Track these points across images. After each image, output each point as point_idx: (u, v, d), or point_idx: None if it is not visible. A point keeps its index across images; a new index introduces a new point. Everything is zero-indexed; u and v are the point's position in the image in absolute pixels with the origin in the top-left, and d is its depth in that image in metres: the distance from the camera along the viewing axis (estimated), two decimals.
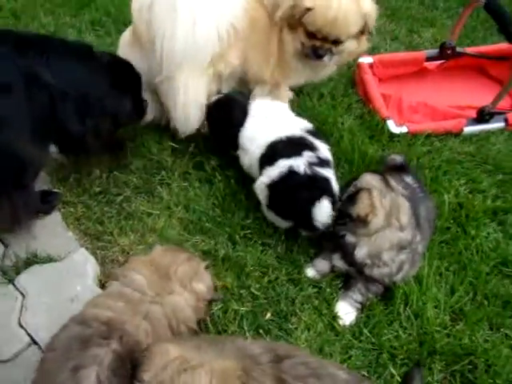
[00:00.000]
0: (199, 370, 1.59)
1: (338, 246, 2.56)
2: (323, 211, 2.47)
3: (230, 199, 2.86)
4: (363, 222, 2.43)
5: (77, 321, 1.91)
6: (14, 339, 2.31)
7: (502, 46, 3.73)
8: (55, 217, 2.81)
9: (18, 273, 2.55)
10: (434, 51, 3.83)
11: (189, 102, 2.85)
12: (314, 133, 2.71)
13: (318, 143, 2.64)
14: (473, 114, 3.49)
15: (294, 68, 3.03)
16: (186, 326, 2.06)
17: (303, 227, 2.64)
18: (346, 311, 2.47)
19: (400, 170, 2.83)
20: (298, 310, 2.46)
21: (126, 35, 2.99)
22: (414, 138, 3.30)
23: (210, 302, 2.28)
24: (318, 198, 2.46)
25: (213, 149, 3.09)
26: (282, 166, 2.54)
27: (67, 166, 2.94)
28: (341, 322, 2.45)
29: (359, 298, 2.50)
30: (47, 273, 2.55)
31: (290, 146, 2.59)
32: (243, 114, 2.84)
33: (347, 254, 2.52)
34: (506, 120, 3.50)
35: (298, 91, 3.55)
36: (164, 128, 3.18)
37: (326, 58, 2.92)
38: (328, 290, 2.54)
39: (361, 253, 2.48)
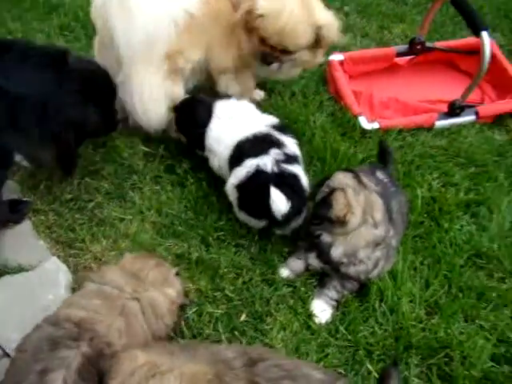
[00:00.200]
0: (168, 375, 1.57)
1: (313, 245, 2.56)
2: (276, 200, 2.43)
3: (203, 201, 2.84)
4: (341, 222, 2.42)
5: (50, 321, 1.92)
6: None
7: (471, 39, 3.75)
8: (26, 226, 2.76)
9: None
10: (403, 47, 3.85)
11: (145, 98, 2.83)
12: (281, 128, 2.70)
13: (284, 139, 2.64)
14: (444, 108, 3.51)
15: (252, 64, 3.03)
16: (163, 323, 2.07)
17: (276, 225, 2.63)
18: (322, 309, 2.47)
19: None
20: (273, 310, 2.45)
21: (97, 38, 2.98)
22: (385, 134, 3.31)
23: (182, 307, 2.27)
24: (287, 195, 2.45)
25: (184, 151, 3.07)
26: (249, 165, 2.53)
27: (37, 174, 2.90)
28: (317, 320, 2.44)
29: (334, 295, 2.50)
30: (18, 283, 2.50)
31: (257, 145, 2.58)
32: (207, 114, 2.81)
33: (323, 253, 2.51)
34: (476, 113, 3.52)
35: (270, 90, 3.54)
36: (135, 132, 3.15)
37: (274, 66, 2.95)
38: (303, 288, 2.53)
39: (337, 252, 2.47)
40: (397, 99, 3.56)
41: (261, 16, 2.72)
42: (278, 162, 2.52)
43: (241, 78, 3.09)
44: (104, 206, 2.86)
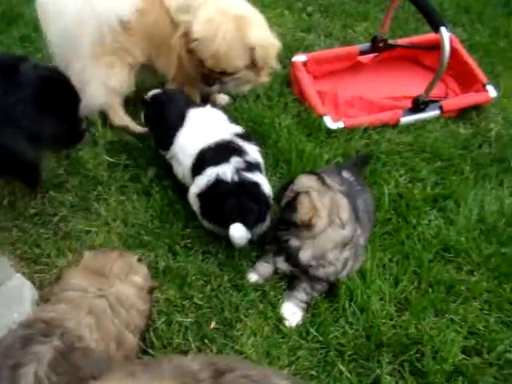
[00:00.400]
0: None
1: (281, 249, 2.54)
2: (236, 235, 2.45)
3: (168, 210, 2.81)
4: (307, 226, 2.41)
5: (22, 325, 1.91)
6: None
7: (433, 35, 3.74)
8: None
9: None
10: (366, 45, 3.87)
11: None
12: (244, 136, 2.69)
13: (246, 146, 2.62)
14: (409, 104, 3.52)
15: (196, 81, 3.06)
16: (136, 312, 2.07)
17: None
18: (292, 312, 2.45)
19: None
20: (242, 316, 2.43)
21: None
22: (351, 133, 3.31)
23: (151, 291, 2.27)
24: (247, 204, 2.45)
25: (149, 160, 3.04)
26: (209, 174, 2.52)
27: None
28: (287, 324, 2.43)
29: (304, 297, 2.49)
30: None
31: (218, 153, 2.57)
32: (180, 118, 2.79)
33: (291, 257, 2.50)
34: (440, 107, 3.54)
35: (235, 94, 3.53)
36: (99, 142, 3.12)
37: (215, 87, 2.98)
38: (272, 292, 2.52)
39: (305, 255, 2.46)
40: (361, 97, 3.57)
41: (196, 40, 2.74)
42: (238, 171, 2.51)
43: (187, 90, 3.12)
44: (69, 220, 2.81)
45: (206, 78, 2.94)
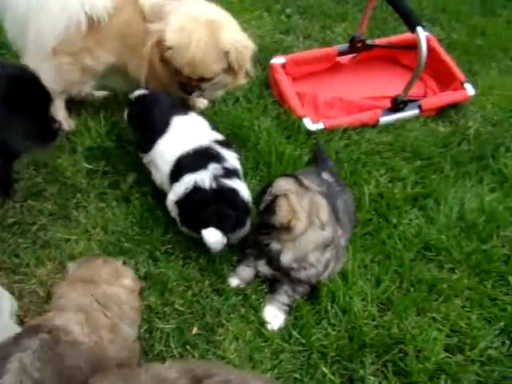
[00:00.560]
0: None
1: (262, 252, 2.53)
2: (211, 240, 2.44)
3: (148, 216, 2.79)
4: (287, 228, 2.40)
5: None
6: None
7: (410, 35, 3.77)
8: None
9: None
10: (344, 46, 3.87)
11: None
12: (223, 142, 2.68)
13: (225, 153, 2.61)
14: (388, 104, 3.53)
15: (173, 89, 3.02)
16: (130, 309, 2.08)
17: None
18: (274, 315, 2.45)
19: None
20: (224, 321, 2.42)
21: None
22: (331, 134, 3.31)
23: (141, 292, 2.29)
24: (224, 211, 2.46)
25: (128, 166, 3.02)
26: (187, 181, 2.50)
27: None
28: (269, 327, 2.42)
29: (286, 300, 2.48)
30: None
31: (196, 160, 2.55)
32: (165, 125, 2.75)
33: (272, 260, 2.49)
34: (419, 107, 3.56)
35: (212, 99, 3.51)
36: (78, 149, 3.09)
37: (195, 94, 2.96)
38: (253, 296, 2.51)
39: (286, 258, 2.46)
40: (341, 98, 3.58)
41: (170, 48, 2.72)
42: (216, 177, 2.50)
43: None
44: (48, 228, 2.77)
45: (184, 87, 2.91)
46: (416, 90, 3.71)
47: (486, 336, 2.49)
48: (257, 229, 2.57)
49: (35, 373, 1.69)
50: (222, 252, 2.62)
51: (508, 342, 2.50)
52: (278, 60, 3.66)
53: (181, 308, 2.44)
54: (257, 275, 2.58)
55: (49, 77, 2.73)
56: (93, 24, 2.77)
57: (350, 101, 3.58)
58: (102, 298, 2.04)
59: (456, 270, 2.75)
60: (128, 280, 2.18)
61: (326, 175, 2.79)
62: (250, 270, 2.56)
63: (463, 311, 2.59)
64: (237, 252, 2.67)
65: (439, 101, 3.65)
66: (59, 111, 3.09)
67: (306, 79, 3.74)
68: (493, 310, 2.61)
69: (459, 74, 3.77)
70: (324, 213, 2.48)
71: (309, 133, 3.29)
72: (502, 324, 2.55)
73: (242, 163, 2.94)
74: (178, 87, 2.94)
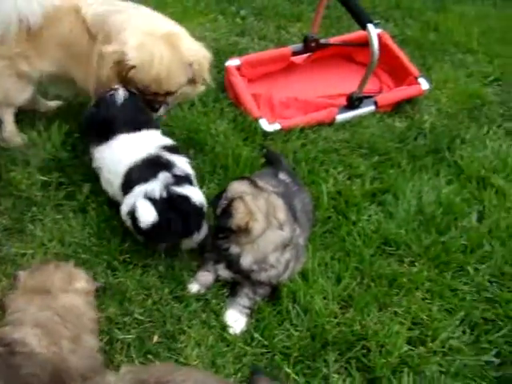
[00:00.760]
0: None
1: (221, 257, 2.52)
2: (142, 213, 2.43)
3: (105, 226, 2.74)
4: (245, 230, 2.39)
5: None
6: None
7: (363, 32, 3.82)
8: None
9: None
10: (299, 46, 3.90)
11: None
12: (172, 148, 2.66)
13: (175, 159, 2.60)
14: (345, 101, 3.56)
15: None
16: (88, 320, 2.07)
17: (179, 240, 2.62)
18: (235, 318, 2.43)
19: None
20: (185, 328, 2.38)
21: None
22: (288, 134, 3.32)
23: (97, 291, 2.29)
24: (176, 221, 2.45)
25: (83, 176, 2.97)
26: (137, 193, 2.49)
27: None
28: (231, 331, 2.40)
29: (247, 302, 2.47)
30: None
31: (145, 170, 2.53)
32: (112, 129, 2.71)
33: (232, 263, 2.48)
34: (375, 103, 3.60)
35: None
36: (31, 162, 3.03)
37: (161, 110, 2.91)
38: (214, 301, 2.49)
39: (246, 261, 2.44)
40: (296, 98, 3.60)
41: (133, 68, 2.67)
42: (167, 186, 2.48)
43: None
44: (3, 243, 2.71)
45: (150, 104, 2.84)
46: (371, 87, 3.76)
47: (447, 327, 2.52)
48: (214, 233, 2.55)
49: None
50: (181, 258, 2.60)
51: (468, 331, 2.54)
52: (232, 62, 3.66)
53: (141, 317, 2.40)
54: (217, 279, 2.56)
55: None
56: (30, 30, 2.74)
57: (306, 100, 3.60)
58: (61, 310, 2.01)
59: (416, 263, 2.78)
60: (82, 282, 2.17)
61: (282, 176, 2.79)
62: (210, 275, 2.54)
63: (424, 303, 2.61)
64: (196, 258, 2.64)
65: (394, 96, 3.70)
66: (7, 125, 3.06)
67: (261, 80, 3.75)
68: (453, 301, 2.64)
69: (413, 69, 3.83)
70: (281, 212, 2.48)
71: (265, 134, 3.29)
72: (462, 314, 2.58)
73: (198, 167, 2.97)
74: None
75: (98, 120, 2.73)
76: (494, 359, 2.45)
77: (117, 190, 2.63)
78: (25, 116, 3.22)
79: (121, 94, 2.71)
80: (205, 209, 2.56)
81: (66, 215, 2.82)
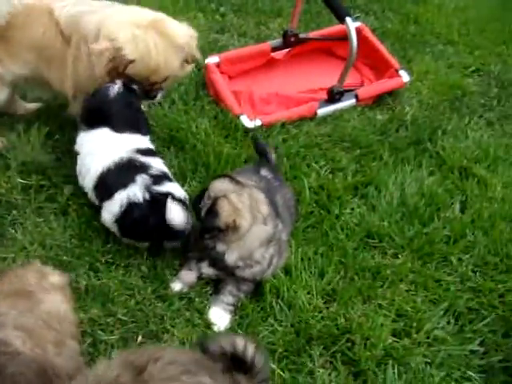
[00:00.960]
0: None
1: (205, 255, 2.50)
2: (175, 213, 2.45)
3: (87, 227, 2.71)
4: (233, 228, 2.38)
5: None
6: None
7: (343, 26, 3.82)
8: None
9: None
10: (278, 41, 3.89)
11: None
12: (144, 151, 2.65)
13: (149, 160, 2.60)
14: (326, 95, 3.55)
15: None
16: (69, 323, 2.03)
17: (166, 240, 2.60)
18: (219, 316, 2.42)
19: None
20: (169, 327, 2.37)
21: None
22: (269, 130, 3.31)
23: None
24: (162, 217, 2.43)
25: (64, 178, 2.94)
26: (119, 199, 2.49)
27: None
28: (215, 328, 2.39)
29: (231, 299, 2.46)
30: None
31: (122, 175, 2.53)
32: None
33: (217, 261, 2.46)
34: (356, 96, 3.59)
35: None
36: (11, 165, 3.00)
37: (159, 95, 2.90)
38: (198, 299, 2.47)
39: (232, 258, 2.43)
40: (277, 93, 3.59)
41: (132, 62, 2.64)
42: (147, 188, 2.48)
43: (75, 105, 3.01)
44: None
45: (148, 93, 2.84)
46: (352, 80, 3.76)
47: (431, 317, 2.53)
48: (199, 234, 2.52)
49: None
50: (164, 257, 2.59)
51: (453, 321, 2.55)
52: (212, 59, 3.63)
53: (124, 318, 2.39)
54: (200, 277, 2.55)
55: None
56: (1, 33, 2.72)
57: (287, 95, 3.59)
58: (46, 316, 1.97)
59: (399, 255, 2.78)
60: (55, 276, 2.13)
61: (264, 172, 2.78)
62: (193, 274, 2.53)
63: (408, 295, 2.62)
64: (178, 256, 2.63)
65: (375, 89, 3.70)
66: None
67: (241, 77, 3.74)
68: (437, 291, 2.66)
69: (394, 61, 3.82)
70: (264, 206, 2.47)
71: (247, 130, 3.27)
72: (446, 304, 2.60)
73: (180, 166, 2.95)
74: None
75: (88, 107, 2.74)
76: (478, 348, 2.47)
77: (90, 191, 2.66)
78: (3, 119, 3.19)
79: (116, 88, 2.71)
80: (187, 201, 2.56)
81: (47, 218, 2.79)
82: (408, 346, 2.41)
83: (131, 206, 2.47)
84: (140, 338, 2.35)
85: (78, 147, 2.76)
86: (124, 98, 2.72)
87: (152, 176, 2.52)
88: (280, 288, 2.50)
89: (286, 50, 3.87)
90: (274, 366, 2.28)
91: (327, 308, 2.51)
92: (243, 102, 3.50)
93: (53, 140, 3.13)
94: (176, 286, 2.51)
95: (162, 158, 2.77)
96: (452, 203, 3.08)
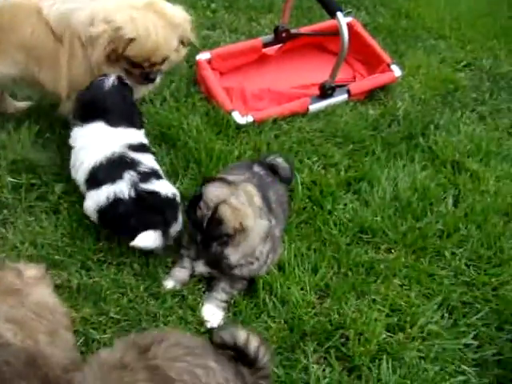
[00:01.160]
0: None
1: (203, 254, 2.49)
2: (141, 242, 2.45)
3: (78, 225, 2.69)
4: (240, 231, 2.36)
5: None
6: None
7: (334, 21, 3.80)
8: None
9: None
10: (269, 37, 3.87)
11: None
12: (137, 146, 2.64)
13: (140, 157, 2.58)
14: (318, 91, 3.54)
15: None
16: (60, 315, 2.02)
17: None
18: (212, 313, 2.41)
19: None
20: (161, 324, 2.36)
21: None
22: (261, 126, 3.29)
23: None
24: (150, 218, 2.45)
25: (55, 176, 2.92)
26: (106, 191, 2.48)
27: None
28: (208, 326, 2.38)
29: (224, 297, 2.45)
30: None
31: (110, 170, 2.52)
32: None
33: (220, 262, 2.44)
34: (348, 91, 3.58)
35: (142, 99, 3.44)
36: (1, 164, 2.98)
37: (158, 79, 2.90)
38: (191, 296, 2.46)
39: (236, 257, 2.42)
40: (269, 89, 3.57)
41: (132, 40, 2.62)
42: (134, 185, 2.47)
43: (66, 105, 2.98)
44: None
45: (146, 76, 2.82)
46: (344, 75, 3.75)
47: (425, 312, 2.53)
48: (204, 243, 2.46)
49: None
50: (157, 255, 2.58)
51: (447, 315, 2.55)
52: (203, 56, 3.61)
53: (116, 316, 2.38)
54: (193, 275, 2.53)
55: None
56: None
57: (279, 91, 3.57)
58: (36, 307, 1.96)
59: (392, 250, 2.78)
60: (32, 270, 2.12)
61: (256, 168, 2.77)
62: (186, 271, 2.52)
63: (402, 290, 2.62)
64: (171, 254, 2.62)
65: (367, 84, 3.68)
66: None
67: (233, 73, 3.71)
68: (431, 286, 2.66)
69: (385, 56, 3.81)
70: (257, 198, 2.46)
71: (238, 127, 3.26)
72: (440, 298, 2.60)
73: (172, 163, 2.93)
74: (138, 80, 2.86)
75: (82, 101, 2.72)
76: (472, 342, 2.47)
77: (82, 186, 2.65)
78: None
79: (111, 81, 2.69)
80: (178, 199, 2.55)
81: (38, 217, 2.77)
82: (402, 340, 2.41)
83: (116, 201, 2.46)
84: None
85: (72, 141, 2.74)
86: (118, 92, 2.71)
87: (140, 173, 2.51)
88: (273, 284, 2.49)
89: (278, 45, 3.85)
90: None
91: (321, 304, 2.51)
92: (235, 99, 3.48)
93: (43, 138, 3.10)
94: (169, 284, 2.49)
95: (154, 154, 2.75)
96: (445, 197, 3.08)
